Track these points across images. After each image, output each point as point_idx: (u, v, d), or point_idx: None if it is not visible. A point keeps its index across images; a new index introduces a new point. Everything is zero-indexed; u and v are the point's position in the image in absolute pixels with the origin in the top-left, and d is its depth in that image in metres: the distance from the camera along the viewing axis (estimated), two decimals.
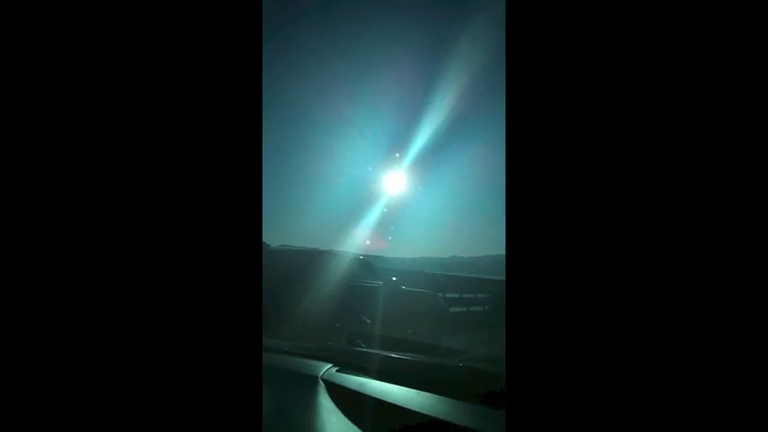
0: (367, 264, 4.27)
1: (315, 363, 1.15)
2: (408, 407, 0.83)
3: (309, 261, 3.92)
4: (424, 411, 0.81)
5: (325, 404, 0.89)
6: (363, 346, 1.56)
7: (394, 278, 4.10)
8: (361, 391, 0.94)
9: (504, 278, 0.54)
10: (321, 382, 1.01)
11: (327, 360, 1.16)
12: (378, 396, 0.90)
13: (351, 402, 0.89)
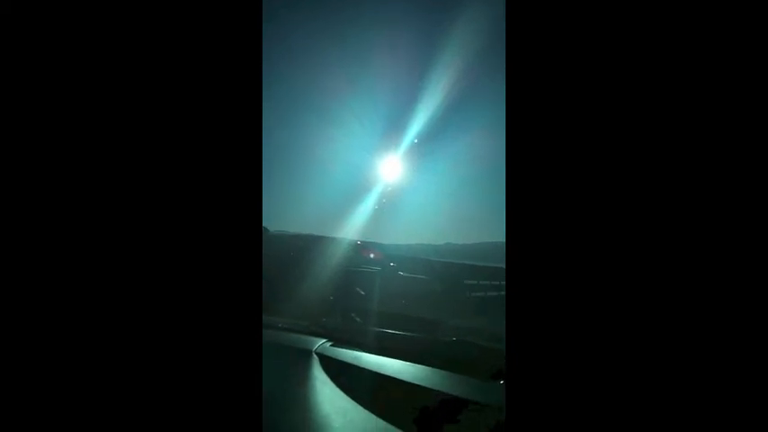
0: (365, 249, 4.28)
1: (309, 338, 1.18)
2: (401, 378, 0.86)
3: (306, 246, 3.93)
4: (416, 382, 0.83)
5: (319, 376, 0.91)
6: (358, 319, 1.58)
7: (392, 263, 4.13)
8: (353, 363, 0.96)
9: (500, 265, 0.55)
10: (315, 356, 1.03)
11: (321, 335, 1.19)
12: (370, 368, 0.92)
13: (343, 374, 0.91)
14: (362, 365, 0.94)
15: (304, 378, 0.90)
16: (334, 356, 1.02)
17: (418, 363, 0.92)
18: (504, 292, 0.55)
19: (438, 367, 0.90)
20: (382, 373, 0.89)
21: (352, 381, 0.88)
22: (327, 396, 0.82)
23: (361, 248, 4.32)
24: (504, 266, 0.55)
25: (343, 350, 1.06)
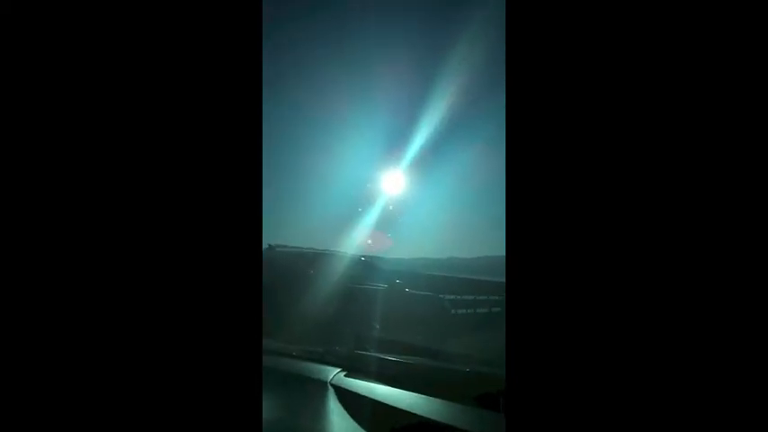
0: (368, 265, 4.22)
1: (323, 367, 1.16)
2: (418, 413, 0.83)
3: (308, 262, 3.86)
4: (434, 417, 0.80)
5: (335, 409, 0.90)
6: (371, 350, 1.55)
7: (398, 281, 4.07)
8: (370, 396, 0.94)
9: (502, 280, 0.54)
10: (330, 387, 1.01)
11: (335, 365, 1.16)
12: (387, 402, 0.90)
13: (361, 407, 0.89)
14: (380, 399, 0.91)
15: (320, 411, 0.89)
16: (350, 388, 0.99)
17: (435, 395, 0.90)
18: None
19: (455, 401, 0.87)
20: (401, 407, 0.87)
21: (372, 415, 0.86)
22: (345, 431, 0.80)
23: (364, 264, 4.25)
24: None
25: (360, 382, 1.03)
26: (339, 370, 1.11)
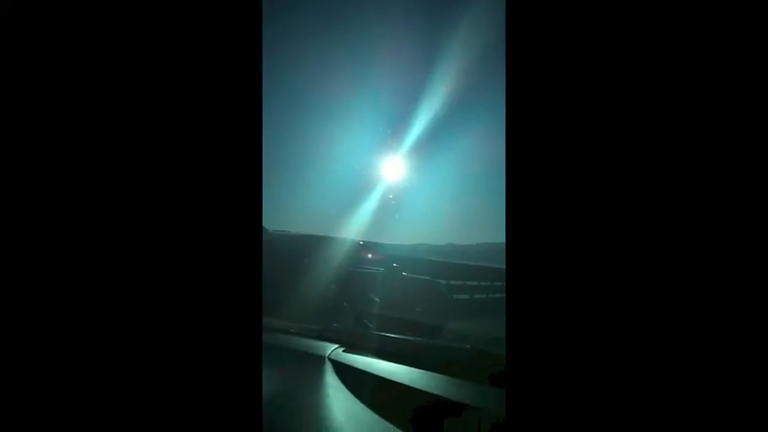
0: (366, 249, 4.25)
1: (321, 343, 1.15)
2: (416, 386, 0.83)
3: (308, 246, 3.89)
4: (431, 390, 0.80)
5: (333, 383, 0.89)
6: (371, 326, 1.54)
7: (395, 264, 4.10)
8: (367, 370, 0.93)
9: (501, 266, 0.54)
10: (328, 362, 1.00)
11: (334, 341, 1.16)
12: (385, 375, 0.89)
13: (357, 381, 0.89)
14: (377, 372, 0.92)
15: (319, 384, 0.89)
16: (348, 363, 1.00)
17: (434, 371, 0.90)
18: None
19: (454, 376, 0.88)
20: (399, 381, 0.87)
21: (368, 389, 0.85)
22: (342, 404, 0.80)
23: (363, 248, 4.29)
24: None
25: (357, 357, 1.04)
26: (337, 346, 1.12)
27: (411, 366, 0.93)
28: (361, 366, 0.96)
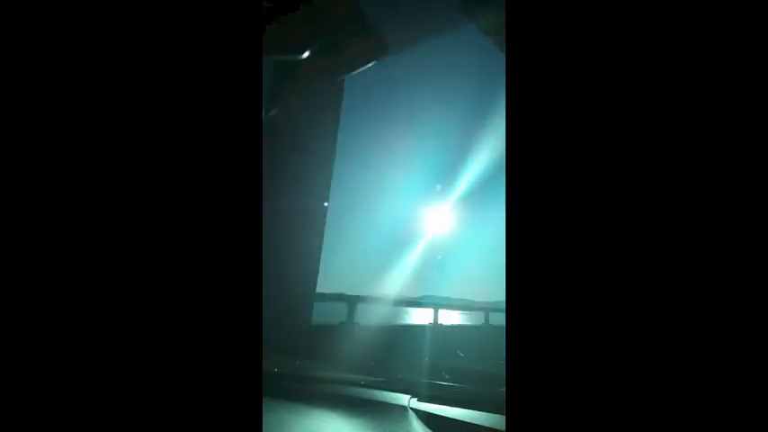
0: (412, 305, 4.15)
1: (393, 394, 1.18)
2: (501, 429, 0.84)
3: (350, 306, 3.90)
4: None
5: (420, 429, 0.94)
6: (447, 378, 1.52)
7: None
8: (451, 416, 0.97)
9: None
10: (410, 411, 1.03)
11: (403, 391, 1.18)
12: (469, 420, 0.93)
13: (443, 427, 0.93)
14: (460, 418, 0.95)
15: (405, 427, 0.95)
16: (428, 410, 1.03)
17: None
18: None
19: None
20: (479, 423, 0.90)
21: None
22: None
23: (409, 303, 4.21)
24: None
25: (436, 405, 1.06)
26: (410, 396, 1.14)
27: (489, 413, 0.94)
28: (442, 413, 0.99)
